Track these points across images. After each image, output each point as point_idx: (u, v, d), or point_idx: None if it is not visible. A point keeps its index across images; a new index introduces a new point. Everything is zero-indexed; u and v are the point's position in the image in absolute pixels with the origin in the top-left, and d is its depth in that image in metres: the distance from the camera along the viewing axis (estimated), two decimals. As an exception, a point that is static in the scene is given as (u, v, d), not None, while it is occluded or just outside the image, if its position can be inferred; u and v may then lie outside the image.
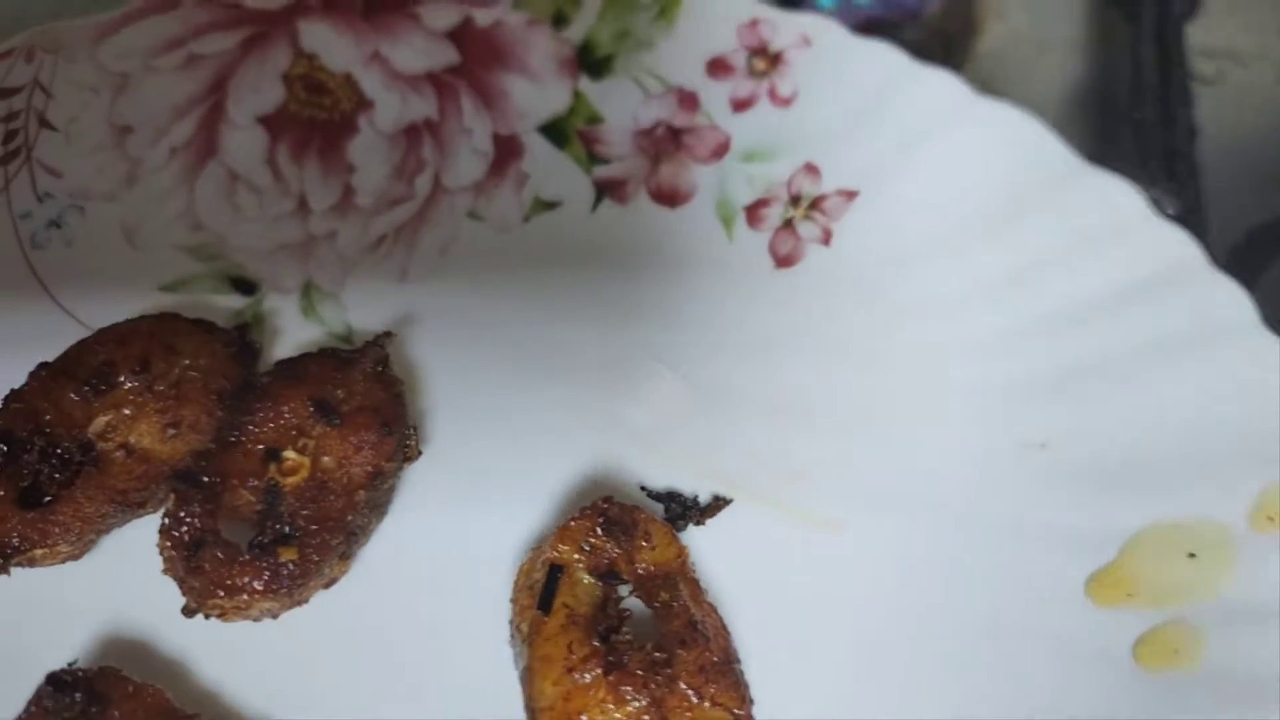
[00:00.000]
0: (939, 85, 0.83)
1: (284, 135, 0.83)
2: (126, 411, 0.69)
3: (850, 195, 0.85)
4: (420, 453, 0.72)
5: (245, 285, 0.81)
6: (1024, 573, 0.72)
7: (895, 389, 0.81)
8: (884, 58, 0.83)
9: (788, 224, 0.86)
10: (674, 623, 0.62)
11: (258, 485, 0.67)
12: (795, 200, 0.86)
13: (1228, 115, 1.03)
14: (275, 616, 0.66)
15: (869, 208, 0.85)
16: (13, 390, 0.69)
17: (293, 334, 0.79)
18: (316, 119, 0.83)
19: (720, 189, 0.86)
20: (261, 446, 0.68)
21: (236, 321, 0.78)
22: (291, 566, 0.64)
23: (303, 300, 0.82)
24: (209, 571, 0.64)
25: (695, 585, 0.65)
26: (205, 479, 0.66)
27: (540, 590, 0.63)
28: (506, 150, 0.86)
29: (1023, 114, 0.82)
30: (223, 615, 0.65)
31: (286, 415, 0.69)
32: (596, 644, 0.61)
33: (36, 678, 0.60)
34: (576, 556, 0.64)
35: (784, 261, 0.86)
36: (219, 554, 0.64)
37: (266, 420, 0.69)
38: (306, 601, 0.67)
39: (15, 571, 0.66)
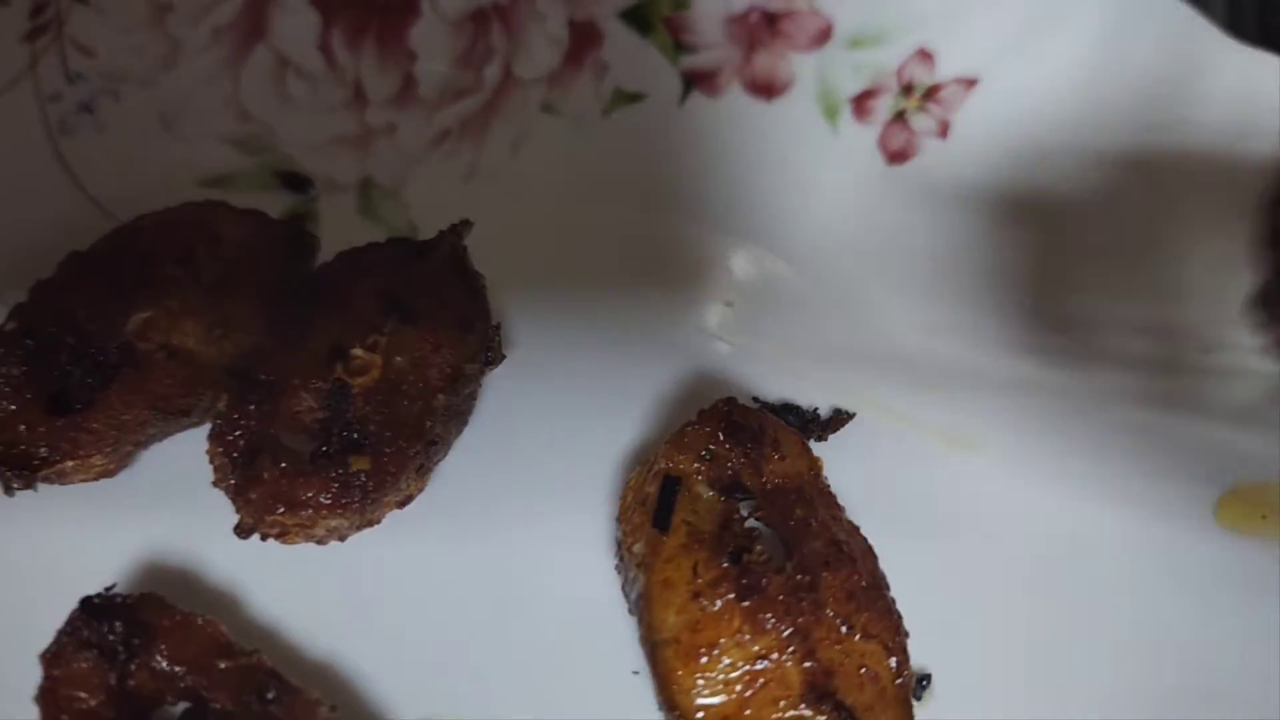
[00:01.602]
0: (1066, -39, 0.74)
1: (338, 17, 0.74)
2: (169, 307, 0.60)
3: (969, 83, 0.76)
4: (504, 356, 0.63)
5: (297, 181, 0.73)
6: (1157, 492, 0.64)
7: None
8: (1003, -69, 0.74)
9: (899, 116, 0.77)
10: (814, 542, 0.53)
11: (321, 387, 0.58)
12: (907, 90, 0.77)
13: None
14: (342, 538, 0.57)
15: (990, 97, 0.76)
16: (39, 281, 0.60)
17: (350, 235, 0.70)
18: (374, 1, 0.74)
19: (822, 79, 0.77)
20: (326, 344, 0.59)
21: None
22: (364, 478, 0.55)
23: (360, 198, 0.73)
24: (267, 482, 0.55)
25: (833, 501, 0.56)
26: (262, 377, 0.57)
27: (654, 506, 0.54)
28: (584, 37, 0.77)
29: (1157, -10, 0.73)
30: (282, 535, 0.56)
31: (354, 310, 0.60)
32: (726, 565, 0.52)
33: (71, 607, 0.51)
34: (696, 466, 0.55)
35: (896, 157, 0.77)
36: (280, 463, 0.55)
37: (331, 315, 0.60)
38: (378, 521, 0.58)
39: (46, 489, 0.57)
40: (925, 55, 0.77)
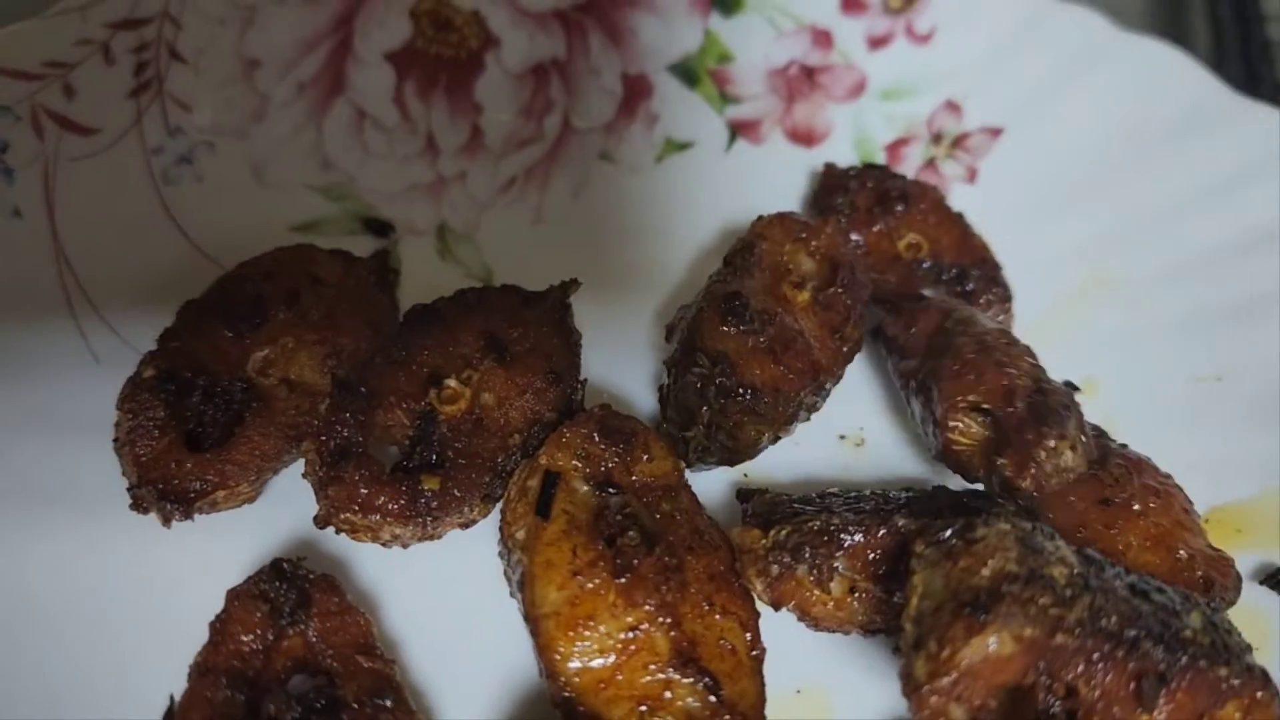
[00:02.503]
0: (1080, 20, 0.81)
1: (411, 73, 0.80)
2: (285, 344, 0.66)
3: (995, 132, 0.83)
4: (584, 409, 0.68)
5: (378, 226, 0.78)
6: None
7: (1053, 330, 0.78)
8: (1021, -7, 0.81)
9: (930, 163, 0.84)
10: (679, 531, 0.60)
11: (414, 409, 0.63)
12: (937, 138, 0.84)
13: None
14: (405, 546, 0.63)
15: (1015, 145, 0.83)
16: (166, 329, 0.65)
17: (429, 277, 0.76)
18: (443, 56, 0.80)
19: (858, 128, 0.84)
20: (426, 370, 0.65)
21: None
22: (430, 495, 0.61)
23: (438, 243, 0.78)
24: (346, 483, 0.60)
25: (693, 497, 0.63)
26: (361, 389, 0.63)
27: (536, 497, 0.60)
28: (636, 90, 0.83)
29: (1170, 48, 0.80)
30: (352, 532, 0.61)
31: (456, 343, 0.65)
32: (601, 548, 0.58)
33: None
34: (574, 463, 0.61)
35: (928, 201, 0.83)
36: (362, 469, 0.61)
37: (436, 345, 0.65)
38: (439, 537, 0.63)
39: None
40: (953, 106, 0.83)
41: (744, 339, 0.64)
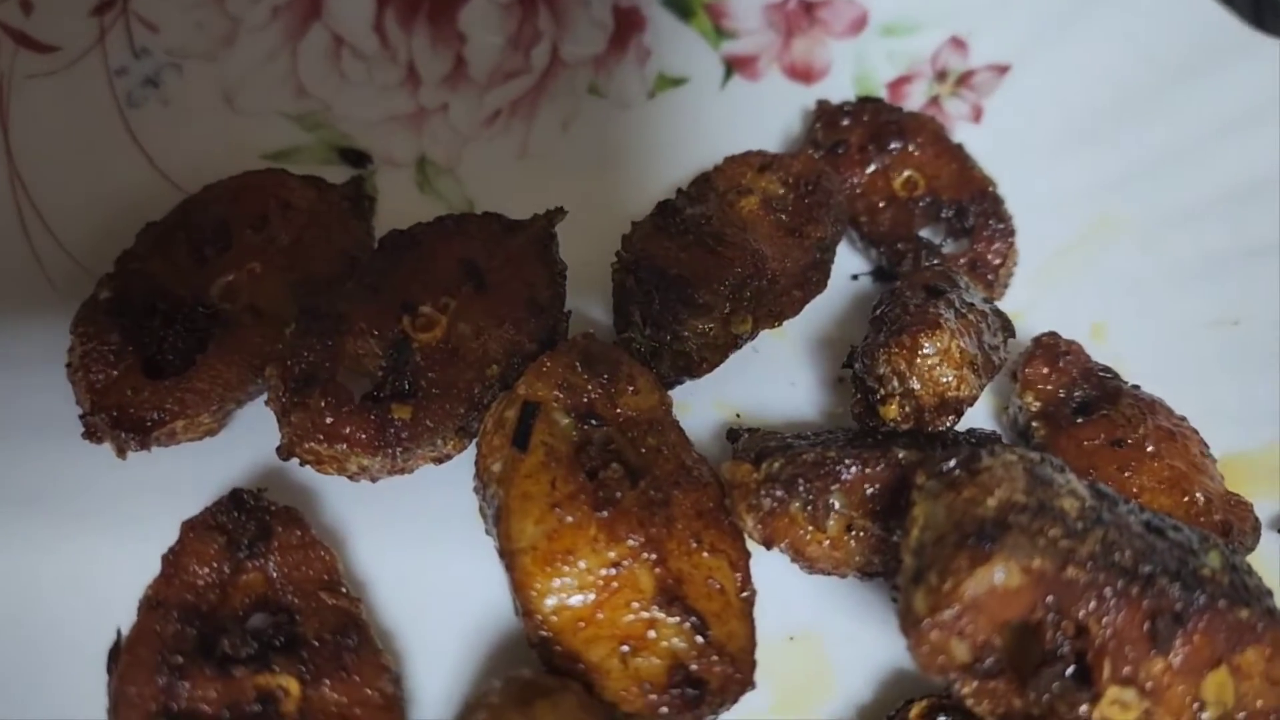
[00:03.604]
0: (1093, -47, 0.78)
1: (392, -1, 0.76)
2: (252, 269, 0.62)
3: (1001, 70, 0.79)
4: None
5: (355, 157, 0.75)
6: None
7: (1061, 273, 0.74)
8: (1031, -76, 0.78)
9: (934, 101, 0.80)
10: (665, 466, 0.56)
11: (386, 336, 0.60)
12: (941, 76, 0.80)
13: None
14: (374, 479, 0.59)
15: (1022, 83, 0.79)
16: (125, 251, 0.62)
17: (409, 209, 0.72)
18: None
19: (859, 64, 0.80)
20: (400, 296, 0.61)
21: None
22: (400, 424, 0.57)
23: (418, 174, 0.75)
24: (311, 410, 0.56)
25: (680, 432, 0.59)
26: (331, 315, 0.59)
27: (514, 428, 0.56)
28: (627, 22, 0.79)
29: (1180, -21, 0.76)
30: (317, 464, 0.57)
31: (433, 270, 0.62)
32: (583, 480, 0.54)
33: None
34: (554, 394, 0.57)
35: (931, 140, 0.79)
36: (328, 396, 0.57)
37: (412, 271, 0.62)
38: (410, 471, 0.59)
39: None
40: (958, 43, 0.80)
41: (672, 238, 0.62)
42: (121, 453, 0.57)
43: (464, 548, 0.58)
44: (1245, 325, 0.70)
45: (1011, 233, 0.72)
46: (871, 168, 0.74)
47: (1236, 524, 0.58)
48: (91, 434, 0.57)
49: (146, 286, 0.60)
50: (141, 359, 0.58)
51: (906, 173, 0.74)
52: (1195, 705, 0.47)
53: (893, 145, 0.74)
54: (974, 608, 0.45)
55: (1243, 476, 0.65)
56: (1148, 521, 0.50)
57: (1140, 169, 0.76)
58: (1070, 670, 0.47)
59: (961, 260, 0.71)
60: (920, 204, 0.73)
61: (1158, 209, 0.75)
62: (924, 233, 0.74)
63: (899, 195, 0.73)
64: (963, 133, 0.79)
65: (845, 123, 0.75)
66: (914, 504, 0.49)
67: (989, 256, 0.71)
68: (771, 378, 0.69)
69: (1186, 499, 0.58)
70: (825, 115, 0.77)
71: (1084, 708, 0.46)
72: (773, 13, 0.80)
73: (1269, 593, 0.51)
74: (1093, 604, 0.47)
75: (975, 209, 0.72)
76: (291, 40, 0.74)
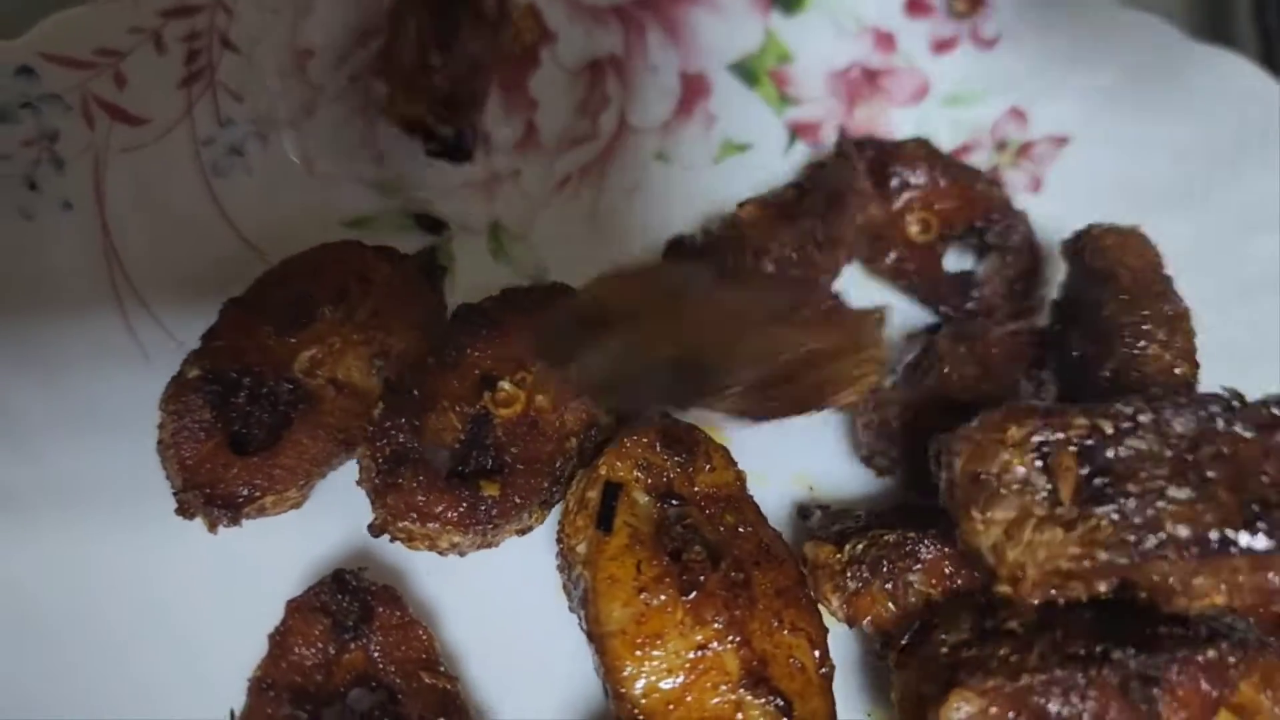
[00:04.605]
0: (1150, 28, 0.79)
1: (465, 67, 0.77)
2: (332, 344, 0.64)
3: (1060, 141, 0.81)
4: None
5: (431, 223, 0.76)
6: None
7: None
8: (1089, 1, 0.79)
9: (994, 171, 0.81)
10: (745, 545, 0.58)
11: (467, 412, 0.61)
12: (1001, 146, 0.82)
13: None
14: (462, 554, 0.61)
15: (1081, 155, 0.80)
16: (210, 329, 0.64)
17: (483, 276, 0.74)
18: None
19: (920, 133, 0.82)
20: (478, 371, 0.63)
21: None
22: (491, 503, 0.59)
23: (491, 241, 0.77)
24: (404, 490, 0.58)
25: (757, 509, 0.61)
26: (414, 393, 0.61)
27: (597, 509, 0.58)
28: (694, 89, 0.81)
29: (1241, 59, 0.78)
30: (409, 540, 0.60)
31: (508, 343, 0.64)
32: (667, 563, 0.56)
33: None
34: (635, 474, 0.59)
35: (992, 209, 0.81)
36: (419, 475, 0.59)
37: (487, 345, 0.63)
38: (497, 544, 0.61)
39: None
40: (1018, 114, 0.81)
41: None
42: (213, 528, 0.59)
43: (549, 621, 0.60)
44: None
45: (1028, 246, 0.76)
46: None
47: None
48: (184, 510, 0.59)
49: (232, 362, 0.62)
50: (229, 435, 0.60)
51: (915, 219, 0.76)
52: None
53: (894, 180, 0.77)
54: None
55: None
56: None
57: (1199, 244, 0.77)
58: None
59: (996, 281, 0.74)
60: (941, 243, 0.76)
61: (1217, 284, 0.77)
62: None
63: (918, 242, 0.75)
64: (1022, 203, 0.80)
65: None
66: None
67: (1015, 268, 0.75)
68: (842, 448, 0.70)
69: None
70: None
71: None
72: (836, 80, 0.82)
73: (1236, 625, 0.52)
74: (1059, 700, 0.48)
75: (988, 229, 0.75)
76: (369, 108, 0.76)
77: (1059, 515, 0.49)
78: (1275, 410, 0.50)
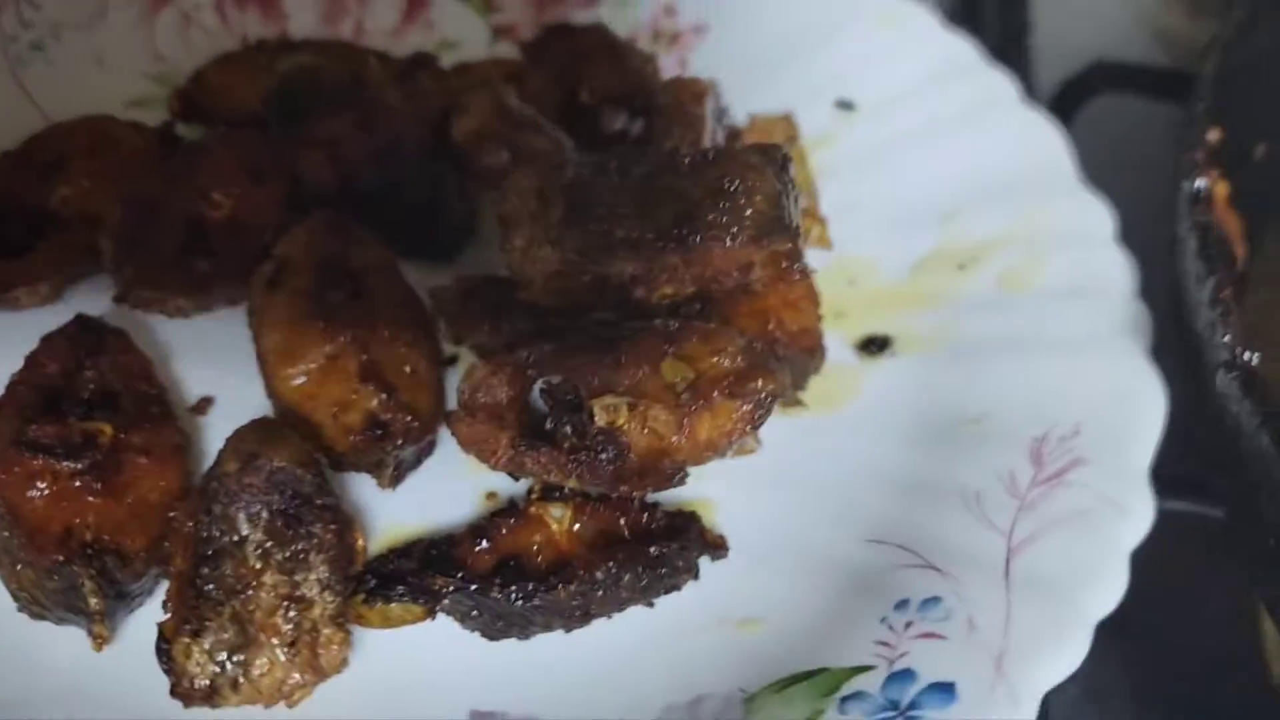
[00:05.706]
0: None
1: (228, -14, 1.00)
2: (81, 184, 0.86)
3: (701, 30, 1.03)
4: None
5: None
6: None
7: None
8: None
9: (652, 56, 1.03)
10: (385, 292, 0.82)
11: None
12: (656, 36, 1.04)
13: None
14: (186, 318, 0.82)
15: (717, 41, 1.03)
16: None
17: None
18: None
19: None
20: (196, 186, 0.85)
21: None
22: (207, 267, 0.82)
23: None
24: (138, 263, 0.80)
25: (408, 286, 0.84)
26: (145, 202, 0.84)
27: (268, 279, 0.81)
28: (416, 2, 1.03)
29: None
30: (145, 306, 0.81)
31: (217, 167, 0.86)
32: (312, 305, 0.79)
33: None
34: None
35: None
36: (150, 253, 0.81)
37: (202, 170, 0.86)
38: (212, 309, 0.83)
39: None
40: (669, 9, 1.03)
41: None
42: None
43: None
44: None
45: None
46: None
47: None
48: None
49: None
50: None
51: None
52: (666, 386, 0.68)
53: None
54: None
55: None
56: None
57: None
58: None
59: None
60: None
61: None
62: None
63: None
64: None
65: None
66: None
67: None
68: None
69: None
70: None
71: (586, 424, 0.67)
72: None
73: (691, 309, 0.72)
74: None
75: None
76: (149, 17, 0.98)
77: (552, 238, 0.71)
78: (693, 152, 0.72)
